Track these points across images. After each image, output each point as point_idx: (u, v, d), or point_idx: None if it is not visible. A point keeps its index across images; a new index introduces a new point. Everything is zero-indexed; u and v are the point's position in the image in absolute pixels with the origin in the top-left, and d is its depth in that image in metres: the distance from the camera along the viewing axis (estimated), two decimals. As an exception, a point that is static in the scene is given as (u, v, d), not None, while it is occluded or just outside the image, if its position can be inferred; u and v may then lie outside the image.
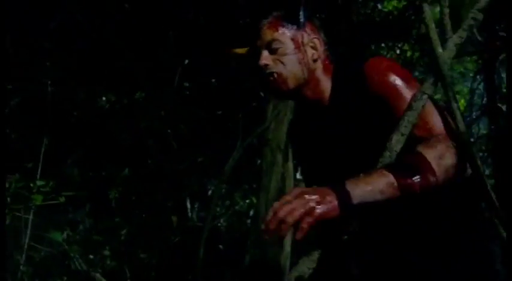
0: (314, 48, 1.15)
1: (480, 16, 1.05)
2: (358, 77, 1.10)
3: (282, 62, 1.12)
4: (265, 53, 1.12)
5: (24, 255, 2.19)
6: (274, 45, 1.12)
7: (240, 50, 1.21)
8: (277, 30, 1.13)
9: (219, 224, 4.38)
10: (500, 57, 4.53)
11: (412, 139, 0.98)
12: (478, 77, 4.93)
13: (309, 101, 1.16)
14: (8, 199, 1.42)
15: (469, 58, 5.37)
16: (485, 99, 4.75)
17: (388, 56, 5.74)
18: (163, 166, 3.67)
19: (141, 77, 3.84)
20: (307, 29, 1.16)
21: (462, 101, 5.52)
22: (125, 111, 3.79)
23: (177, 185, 3.86)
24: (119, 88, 3.96)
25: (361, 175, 0.91)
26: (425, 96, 0.99)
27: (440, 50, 1.02)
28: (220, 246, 3.91)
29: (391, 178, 0.90)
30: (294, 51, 1.13)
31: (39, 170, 2.68)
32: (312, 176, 1.27)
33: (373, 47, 5.59)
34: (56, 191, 1.52)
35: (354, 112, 1.11)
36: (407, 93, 1.05)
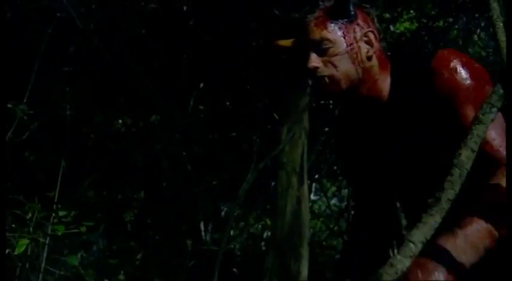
0: (368, 43, 1.01)
1: None
2: (425, 72, 0.98)
3: (333, 64, 0.99)
4: (313, 55, 0.99)
5: (40, 278, 2.20)
6: (324, 46, 0.98)
7: (286, 42, 1.07)
8: (326, 28, 0.99)
9: (233, 247, 4.34)
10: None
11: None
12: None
13: (364, 100, 1.03)
14: (31, 229, 1.44)
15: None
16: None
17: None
18: (178, 188, 3.68)
19: (157, 100, 3.90)
20: (359, 21, 1.01)
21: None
22: (140, 134, 3.83)
23: (192, 208, 3.85)
24: (135, 111, 4.03)
25: (457, 230, 0.82)
26: (494, 109, 0.86)
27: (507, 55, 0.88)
28: (235, 269, 3.86)
29: (491, 228, 0.82)
30: (346, 50, 0.99)
31: (57, 192, 2.72)
32: (359, 177, 1.17)
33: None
34: (77, 219, 1.54)
35: (417, 111, 0.99)
36: (477, 98, 0.93)
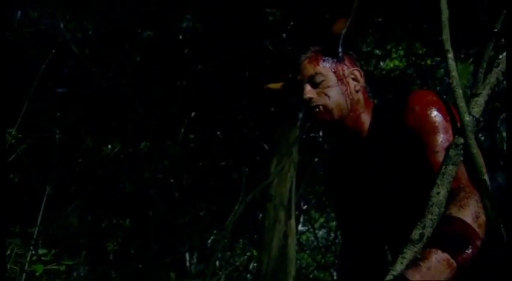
0: (355, 79, 1.15)
1: (501, 76, 1.07)
2: (400, 107, 1.08)
3: (326, 95, 1.12)
4: (308, 87, 1.12)
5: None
6: (317, 79, 1.13)
7: (275, 85, 1.23)
8: (318, 64, 1.14)
9: (218, 278, 4.24)
10: (501, 117, 4.60)
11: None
12: (480, 134, 4.98)
13: (349, 132, 1.15)
14: (8, 265, 1.39)
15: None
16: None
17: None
18: (164, 217, 3.63)
19: (148, 127, 3.90)
20: (346, 62, 1.15)
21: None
22: (129, 160, 3.81)
23: (178, 238, 3.79)
24: (124, 137, 4.02)
25: (420, 264, 0.87)
26: (461, 149, 0.97)
27: (467, 118, 1.00)
28: (219, 303, 3.76)
29: (449, 259, 0.88)
30: (337, 83, 1.13)
31: (40, 216, 2.66)
32: (349, 212, 1.24)
33: (375, 102, 5.70)
34: (57, 257, 1.49)
35: (390, 143, 1.09)
36: (443, 134, 1.03)
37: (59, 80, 4.44)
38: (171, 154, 3.66)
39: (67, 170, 3.70)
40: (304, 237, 5.95)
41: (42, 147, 3.64)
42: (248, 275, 4.66)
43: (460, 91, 1.04)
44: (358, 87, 1.13)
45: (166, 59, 4.33)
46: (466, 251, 0.88)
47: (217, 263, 4.27)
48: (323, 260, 5.00)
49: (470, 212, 0.92)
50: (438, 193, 0.93)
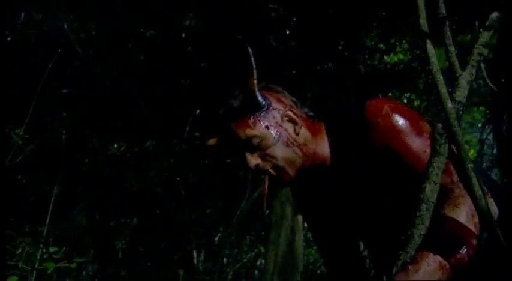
0: (291, 120, 1.03)
1: (485, 51, 1.00)
2: (359, 127, 0.99)
3: (271, 156, 1.00)
4: (248, 154, 1.00)
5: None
6: (254, 142, 0.99)
7: (212, 141, 1.07)
8: (248, 127, 1.00)
9: (225, 275, 4.27)
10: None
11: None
12: (487, 127, 4.95)
13: (311, 170, 1.04)
14: (20, 264, 1.41)
15: (475, 108, 5.43)
16: (494, 149, 4.73)
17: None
18: (171, 215, 3.65)
19: (153, 125, 3.92)
20: (274, 105, 1.03)
21: (472, 151, 5.50)
22: (135, 159, 3.83)
23: (185, 236, 3.81)
24: (130, 136, 4.04)
25: (408, 267, 0.84)
26: (445, 139, 0.92)
27: (450, 105, 0.95)
28: (227, 299, 3.78)
29: (441, 260, 0.85)
30: (276, 137, 1.00)
31: (49, 216, 2.69)
32: (327, 239, 1.17)
33: (380, 97, 5.69)
34: (67, 255, 1.51)
35: (361, 167, 1.01)
36: (418, 137, 0.96)
37: (64, 81, 4.46)
38: (176, 152, 3.67)
39: (74, 171, 3.73)
40: (310, 234, 5.95)
41: (48, 148, 3.67)
42: (256, 272, 4.67)
43: (441, 77, 1.00)
44: (298, 129, 1.02)
45: (170, 58, 4.33)
46: (460, 251, 0.85)
47: (224, 260, 4.29)
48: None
49: (465, 211, 0.89)
50: (425, 188, 0.89)
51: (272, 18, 4.15)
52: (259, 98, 1.01)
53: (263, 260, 4.11)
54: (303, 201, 1.19)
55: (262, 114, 1.01)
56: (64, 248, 1.50)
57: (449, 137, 0.94)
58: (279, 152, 1.00)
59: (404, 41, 5.06)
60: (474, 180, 0.90)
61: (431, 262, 0.85)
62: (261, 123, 1.01)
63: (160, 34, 4.48)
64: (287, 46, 4.52)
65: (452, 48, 1.02)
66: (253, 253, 4.76)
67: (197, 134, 3.96)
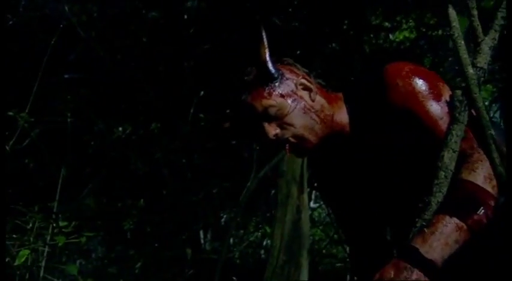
0: (306, 88, 1.03)
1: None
2: (378, 88, 0.97)
3: (290, 124, 1.00)
4: (266, 124, 0.99)
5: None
6: (271, 112, 0.99)
7: (228, 124, 1.08)
8: (263, 97, 1.00)
9: (232, 255, 4.33)
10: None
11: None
12: (494, 105, 4.90)
13: (330, 137, 1.03)
14: (31, 239, 1.44)
15: (483, 86, 5.36)
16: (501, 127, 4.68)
17: (401, 84, 5.77)
18: (178, 196, 3.68)
19: (157, 108, 3.91)
20: (287, 75, 1.03)
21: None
22: (140, 141, 3.84)
23: (192, 216, 3.85)
24: (135, 119, 4.04)
25: (424, 229, 0.84)
26: (466, 106, 0.89)
27: (471, 70, 0.92)
28: (234, 278, 3.85)
29: (458, 222, 0.84)
30: (293, 105, 1.00)
31: (57, 199, 2.72)
32: (349, 212, 1.15)
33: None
34: (77, 229, 1.54)
35: (379, 132, 0.99)
36: (437, 100, 0.94)
37: (68, 64, 4.45)
38: (181, 133, 3.68)
39: (80, 154, 3.75)
40: (316, 213, 5.99)
41: (54, 132, 3.69)
42: (262, 251, 4.73)
43: (462, 42, 0.98)
44: (313, 96, 1.02)
45: (173, 40, 4.30)
46: (477, 212, 0.84)
47: (231, 240, 4.35)
48: (336, 236, 5.04)
49: (482, 175, 0.88)
50: (443, 156, 0.88)
51: (275, -3, 4.08)
52: (272, 68, 1.01)
53: (269, 241, 4.15)
54: (322, 173, 1.18)
55: (276, 84, 1.01)
56: (74, 223, 1.53)
57: (469, 103, 0.91)
58: (297, 119, 1.00)
59: (410, 19, 4.97)
60: (493, 147, 0.88)
61: (448, 224, 0.84)
62: (276, 92, 1.01)
63: (162, 16, 4.43)
64: (291, 26, 4.46)
65: (475, 12, 0.99)
66: (260, 233, 4.81)
67: (202, 115, 3.96)
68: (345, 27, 4.63)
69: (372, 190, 1.08)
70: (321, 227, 5.52)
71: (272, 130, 0.99)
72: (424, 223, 0.87)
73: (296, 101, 1.01)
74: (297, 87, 1.03)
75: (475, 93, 0.92)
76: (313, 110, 1.02)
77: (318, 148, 1.03)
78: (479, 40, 0.97)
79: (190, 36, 4.36)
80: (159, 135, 3.78)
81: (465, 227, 0.85)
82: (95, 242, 4.49)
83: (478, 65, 0.95)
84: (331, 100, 1.05)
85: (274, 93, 1.00)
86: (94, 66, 4.19)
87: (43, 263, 2.08)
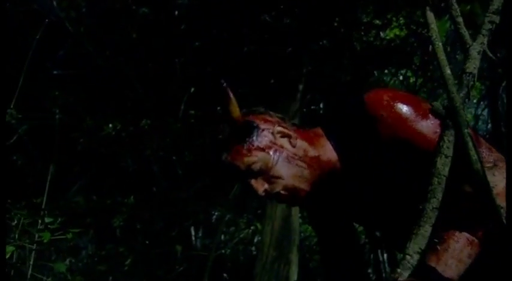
0: (284, 135, 0.99)
1: (497, 19, 0.98)
2: (362, 123, 0.95)
3: (277, 177, 0.95)
4: (253, 182, 0.95)
5: (27, 285, 2.17)
6: (255, 169, 0.94)
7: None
8: (244, 156, 0.95)
9: (223, 252, 4.33)
10: (503, 84, 4.57)
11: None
12: (481, 103, 4.96)
13: (324, 180, 0.99)
14: (16, 236, 1.42)
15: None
16: (489, 124, 4.75)
17: (391, 82, 5.81)
18: (168, 193, 3.67)
19: (147, 104, 3.89)
20: (262, 126, 0.98)
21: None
22: (130, 138, 3.82)
23: (182, 213, 3.84)
24: (125, 116, 4.01)
25: (437, 247, 0.85)
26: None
27: (448, 71, 0.93)
28: (225, 275, 3.85)
29: (467, 236, 0.86)
30: (275, 157, 0.95)
31: (45, 197, 2.69)
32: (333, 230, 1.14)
33: (376, 74, 5.67)
34: (64, 226, 1.52)
35: (374, 163, 0.97)
36: (426, 120, 0.92)
37: (57, 60, 4.40)
38: (171, 130, 3.66)
39: (69, 151, 3.72)
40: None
41: (42, 128, 3.65)
42: (253, 248, 4.74)
43: (440, 44, 0.98)
44: (294, 141, 0.98)
45: (163, 36, 4.27)
46: (487, 225, 0.85)
47: (222, 237, 4.34)
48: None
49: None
50: (436, 162, 0.87)
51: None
52: (245, 123, 0.97)
53: (260, 238, 4.16)
54: (321, 212, 1.14)
55: (253, 138, 0.97)
56: (60, 219, 1.51)
57: (448, 101, 0.92)
58: (283, 170, 0.95)
59: (400, 17, 5.00)
60: (470, 145, 0.89)
61: (459, 239, 0.85)
62: (256, 147, 0.96)
63: (152, 12, 4.40)
64: (282, 23, 4.46)
65: (460, 19, 1.00)
66: (250, 230, 4.82)
67: (192, 112, 3.94)
68: (335, 24, 4.65)
69: (366, 215, 1.07)
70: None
71: (260, 187, 0.95)
72: (421, 230, 0.85)
73: (278, 151, 0.97)
74: (275, 137, 0.98)
75: (453, 93, 0.92)
76: (297, 157, 0.97)
77: (314, 192, 0.99)
78: (468, 46, 0.98)
79: (180, 33, 4.34)
80: (149, 132, 3.76)
81: (476, 241, 0.85)
82: (85, 240, 4.46)
83: (468, 70, 0.95)
84: (312, 141, 1.00)
85: (253, 148, 0.96)
86: (83, 63, 4.15)
87: (31, 261, 2.06)
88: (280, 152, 0.96)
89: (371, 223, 1.11)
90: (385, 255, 4.62)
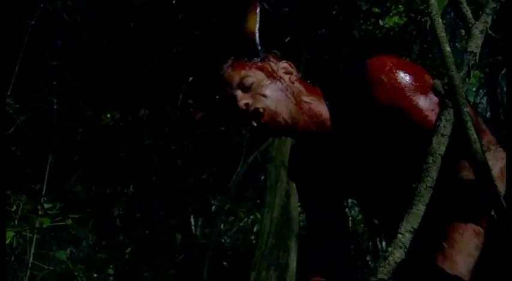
0: (287, 72, 1.02)
1: None
2: (361, 85, 0.94)
3: (262, 94, 0.96)
4: (239, 93, 0.96)
5: (28, 274, 2.18)
6: (246, 82, 0.97)
7: (198, 116, 1.08)
8: (243, 68, 0.98)
9: (223, 241, 4.36)
10: (502, 72, 4.56)
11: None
12: (480, 91, 4.95)
13: (309, 131, 0.98)
14: (15, 222, 1.43)
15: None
16: (488, 113, 4.75)
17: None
18: (167, 182, 3.68)
19: (146, 94, 3.88)
20: (271, 59, 1.03)
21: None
22: (129, 128, 3.81)
23: (182, 202, 3.85)
24: (123, 105, 4.00)
25: (443, 244, 0.82)
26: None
27: (448, 48, 0.92)
28: (225, 263, 3.88)
29: (474, 227, 0.83)
30: (270, 81, 0.98)
31: (45, 186, 2.70)
32: (317, 204, 1.08)
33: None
34: (63, 212, 1.53)
35: (365, 128, 0.95)
36: (423, 94, 0.91)
37: (54, 51, 4.37)
38: (170, 120, 3.65)
39: (68, 141, 3.72)
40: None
41: (41, 118, 3.64)
42: (252, 237, 4.77)
43: (440, 20, 0.97)
44: (293, 79, 1.00)
45: (161, 25, 4.23)
46: (491, 213, 0.83)
47: (222, 226, 4.37)
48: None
49: (495, 165, 0.85)
50: (431, 141, 0.86)
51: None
52: (258, 43, 1.01)
53: (259, 227, 4.19)
54: (301, 167, 1.12)
55: (257, 58, 1.01)
56: (59, 205, 1.51)
57: (447, 79, 0.91)
58: (271, 92, 0.97)
59: (399, 5, 4.96)
60: (469, 124, 0.88)
61: (464, 232, 0.83)
62: (257, 66, 1.00)
63: (150, 1, 4.36)
64: (281, 11, 4.42)
65: None
66: (250, 219, 4.84)
67: (191, 101, 3.93)
68: (334, 12, 4.61)
69: (357, 186, 1.05)
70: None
71: (243, 99, 0.96)
72: (414, 209, 0.83)
73: (275, 79, 0.99)
74: (278, 68, 1.01)
75: (452, 71, 0.91)
76: (289, 91, 0.98)
77: (293, 130, 0.99)
78: (470, 25, 0.97)
79: (179, 22, 4.30)
80: (148, 121, 3.76)
81: (481, 230, 0.83)
82: (85, 230, 4.48)
83: (469, 49, 0.94)
84: (310, 90, 1.01)
85: (253, 66, 1.00)
86: (81, 52, 4.12)
87: (32, 250, 2.07)
88: (277, 80, 0.99)
89: (359, 195, 1.08)
90: (383, 243, 4.66)
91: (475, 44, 0.94)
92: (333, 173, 1.05)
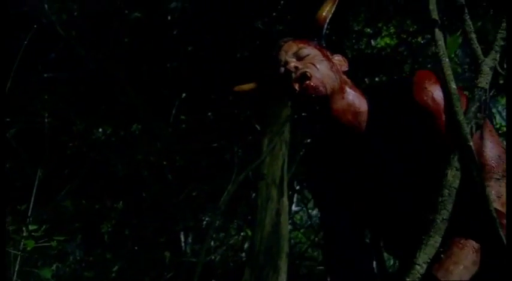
0: (340, 63, 1.11)
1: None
2: (404, 87, 1.01)
3: (313, 64, 1.03)
4: (292, 59, 1.04)
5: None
6: (302, 53, 1.05)
7: (247, 86, 1.16)
8: (303, 42, 1.07)
9: (213, 258, 4.30)
10: (491, 93, 4.63)
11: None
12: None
13: (344, 116, 1.02)
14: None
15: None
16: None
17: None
18: (158, 199, 3.65)
19: (138, 109, 3.87)
20: (329, 52, 1.12)
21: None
22: (121, 143, 3.79)
23: (172, 219, 3.82)
24: (115, 120, 3.99)
25: (441, 255, 0.86)
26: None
27: (454, 86, 0.98)
28: (214, 281, 3.82)
29: (473, 244, 0.86)
30: (323, 58, 1.06)
31: (32, 203, 2.66)
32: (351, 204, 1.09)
33: (367, 81, 5.72)
34: (48, 233, 1.50)
35: (403, 128, 1.00)
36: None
37: (48, 63, 4.36)
38: (162, 135, 3.64)
39: (58, 155, 3.68)
40: (298, 216, 6.02)
41: (31, 131, 3.61)
42: (243, 255, 4.72)
43: (447, 60, 1.02)
44: (344, 68, 1.08)
45: (156, 41, 4.26)
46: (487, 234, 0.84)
47: (212, 243, 4.32)
48: (316, 239, 5.07)
49: (493, 193, 0.89)
50: (447, 175, 0.90)
51: (259, 1, 4.10)
52: (325, 28, 1.11)
53: (249, 244, 4.15)
54: (323, 160, 1.13)
55: (317, 40, 1.10)
56: (44, 226, 1.49)
57: (452, 116, 0.95)
58: (322, 66, 1.04)
59: (391, 26, 5.06)
60: (473, 158, 0.90)
61: (464, 246, 0.86)
62: (314, 46, 1.08)
63: (145, 16, 4.39)
64: (274, 30, 4.48)
65: (473, 35, 1.04)
66: (240, 236, 4.80)
67: (183, 117, 3.93)
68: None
69: (373, 191, 1.07)
70: (302, 230, 5.55)
71: (294, 63, 1.04)
72: (431, 240, 0.87)
73: (327, 60, 1.07)
74: (333, 56, 1.10)
75: (456, 107, 0.96)
76: (338, 74, 1.06)
77: (329, 125, 1.05)
78: (480, 61, 1.01)
79: (173, 38, 4.33)
80: (140, 136, 3.74)
81: (478, 246, 0.86)
82: (72, 245, 4.40)
83: (480, 85, 0.99)
84: (356, 89, 1.09)
85: (312, 44, 1.08)
86: (74, 66, 4.12)
87: (16, 268, 2.02)
88: (329, 62, 1.07)
89: (369, 198, 1.08)
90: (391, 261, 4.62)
91: (485, 80, 0.99)
92: (351, 174, 1.09)
